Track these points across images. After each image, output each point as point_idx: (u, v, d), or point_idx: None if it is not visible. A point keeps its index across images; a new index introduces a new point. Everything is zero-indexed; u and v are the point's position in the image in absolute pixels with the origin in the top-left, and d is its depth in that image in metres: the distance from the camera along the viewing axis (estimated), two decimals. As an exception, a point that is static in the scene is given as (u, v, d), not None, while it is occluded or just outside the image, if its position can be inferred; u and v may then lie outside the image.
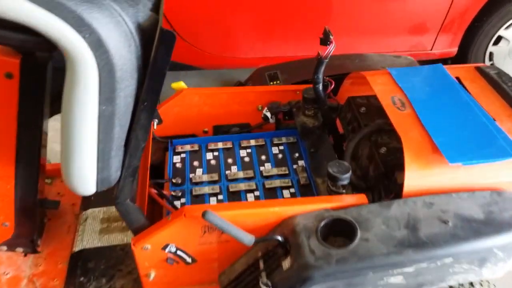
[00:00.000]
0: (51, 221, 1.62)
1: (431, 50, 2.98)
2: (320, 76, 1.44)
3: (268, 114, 1.66)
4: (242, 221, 1.16)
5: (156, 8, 1.01)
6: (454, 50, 3.03)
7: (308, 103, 1.58)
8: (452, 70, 1.51)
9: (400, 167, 1.21)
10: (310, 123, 1.59)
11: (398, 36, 2.91)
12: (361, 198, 1.21)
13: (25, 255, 1.51)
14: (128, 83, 0.91)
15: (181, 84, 1.59)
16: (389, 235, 1.09)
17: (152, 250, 1.20)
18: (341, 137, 1.64)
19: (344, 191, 1.27)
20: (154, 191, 1.37)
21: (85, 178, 1.00)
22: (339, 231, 1.15)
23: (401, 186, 1.19)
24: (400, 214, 1.14)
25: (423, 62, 1.73)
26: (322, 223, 1.12)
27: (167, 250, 1.21)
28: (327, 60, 1.39)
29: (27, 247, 1.49)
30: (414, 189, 1.19)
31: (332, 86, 1.52)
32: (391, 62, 1.82)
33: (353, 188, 1.35)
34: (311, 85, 1.53)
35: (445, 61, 3.06)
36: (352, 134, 1.49)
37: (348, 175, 1.23)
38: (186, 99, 1.63)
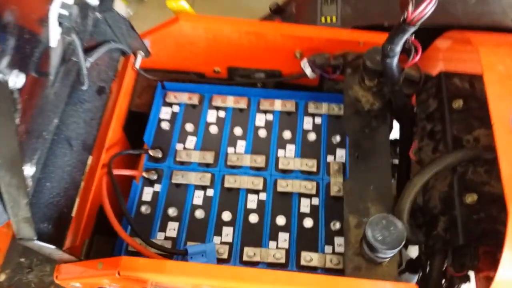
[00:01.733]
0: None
1: None
2: (397, 48, 0.83)
3: (308, 71, 1.08)
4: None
5: None
6: None
7: (369, 74, 0.98)
8: None
9: (494, 239, 0.71)
10: (366, 102, 1.01)
11: None
12: (409, 292, 0.74)
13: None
14: None
15: (179, 4, 1.02)
16: None
17: (83, 286, 0.84)
18: (412, 122, 1.05)
19: (385, 261, 0.79)
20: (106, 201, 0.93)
21: None
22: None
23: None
24: None
25: None
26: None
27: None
28: (415, 27, 0.77)
29: None
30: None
31: (417, 57, 0.89)
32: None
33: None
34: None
35: None
36: (424, 146, 0.93)
37: (396, 250, 0.74)
38: (185, 28, 1.07)
